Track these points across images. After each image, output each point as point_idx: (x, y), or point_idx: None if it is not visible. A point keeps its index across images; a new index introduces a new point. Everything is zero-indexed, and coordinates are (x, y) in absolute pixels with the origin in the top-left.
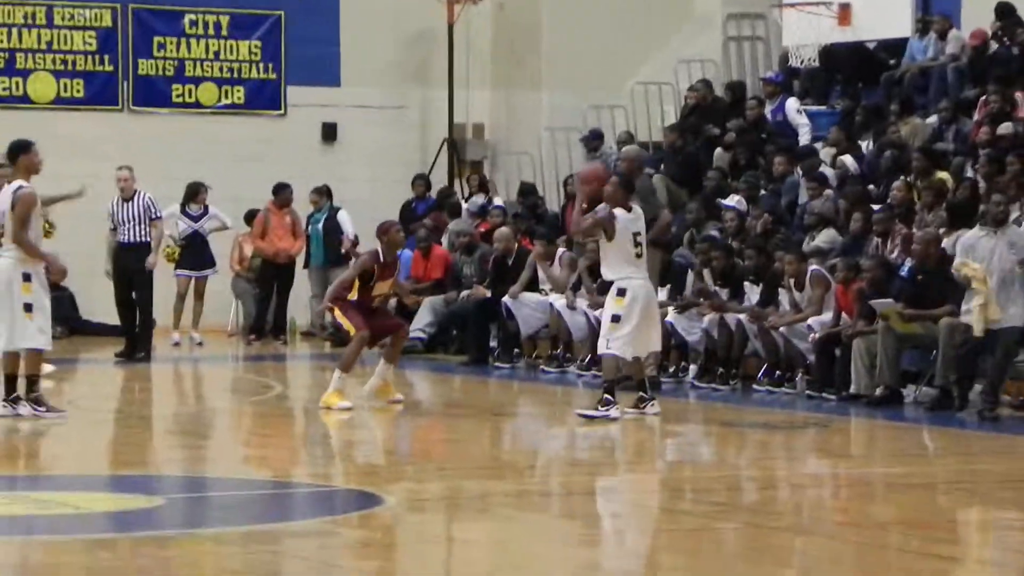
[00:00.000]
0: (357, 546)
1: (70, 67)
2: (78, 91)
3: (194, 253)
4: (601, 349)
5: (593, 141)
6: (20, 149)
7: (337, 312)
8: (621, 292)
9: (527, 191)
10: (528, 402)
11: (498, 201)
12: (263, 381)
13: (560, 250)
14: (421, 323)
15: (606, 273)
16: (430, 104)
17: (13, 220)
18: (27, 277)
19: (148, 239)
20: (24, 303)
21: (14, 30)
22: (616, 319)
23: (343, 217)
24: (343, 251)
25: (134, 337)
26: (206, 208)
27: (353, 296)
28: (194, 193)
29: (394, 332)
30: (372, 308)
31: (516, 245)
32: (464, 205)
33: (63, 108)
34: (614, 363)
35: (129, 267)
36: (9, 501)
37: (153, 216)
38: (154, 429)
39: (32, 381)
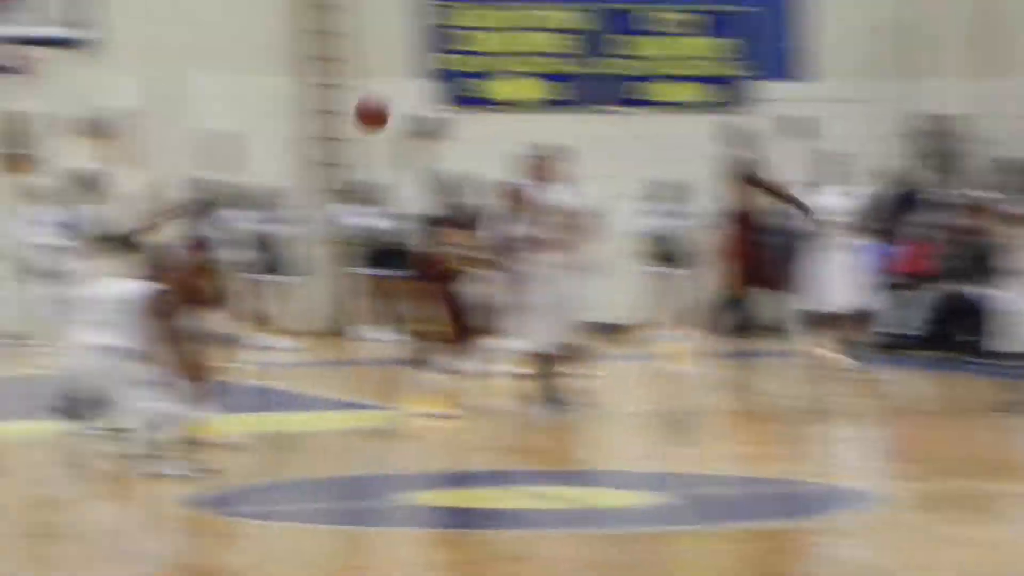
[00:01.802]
0: (855, 543)
1: (543, 69)
2: (552, 92)
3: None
4: None
5: None
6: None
7: None
8: None
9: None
10: None
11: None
12: (747, 380)
13: None
14: (915, 319)
15: None
16: (904, 96)
17: None
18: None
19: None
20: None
21: (491, 33)
22: None
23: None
24: None
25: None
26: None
27: None
28: (664, 191)
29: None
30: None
31: None
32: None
33: (537, 110)
34: None
35: None
36: (507, 495)
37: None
38: (647, 425)
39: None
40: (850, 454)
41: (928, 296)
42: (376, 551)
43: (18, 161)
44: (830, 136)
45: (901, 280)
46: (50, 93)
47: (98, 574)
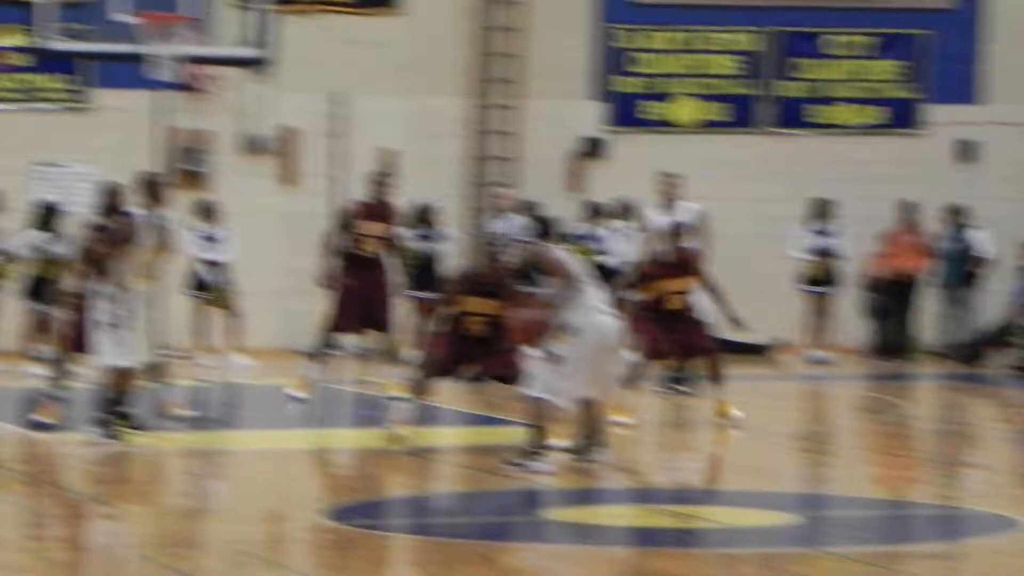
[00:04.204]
0: (987, 569)
1: (712, 90)
2: (719, 114)
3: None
4: None
5: None
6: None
7: None
8: None
9: None
10: None
11: None
12: (890, 400)
13: None
14: None
15: None
16: None
17: None
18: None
19: None
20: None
21: (659, 55)
22: None
23: (976, 237)
24: (974, 270)
25: None
26: (834, 227)
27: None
28: (819, 211)
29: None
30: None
31: None
32: None
33: (704, 131)
34: None
35: None
36: (651, 513)
37: None
38: (785, 445)
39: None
40: (981, 476)
41: None
42: (507, 566)
43: (192, 178)
44: (996, 160)
45: None
46: (225, 111)
47: None
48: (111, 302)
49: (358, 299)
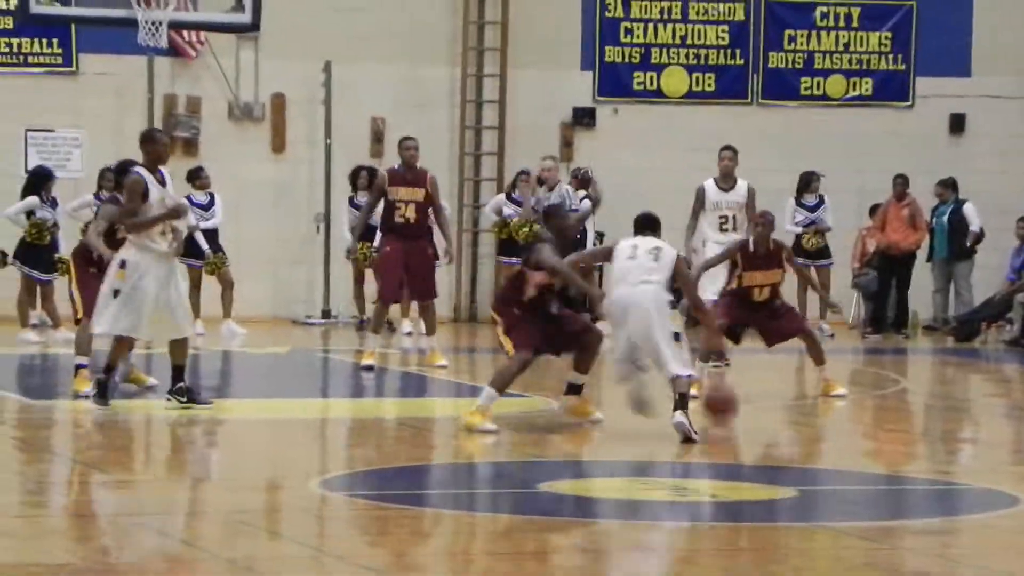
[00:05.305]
0: (983, 545)
1: (702, 61)
2: (709, 85)
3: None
4: None
5: None
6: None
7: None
8: None
9: None
10: None
11: None
12: (885, 375)
13: None
14: None
15: None
16: None
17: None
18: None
19: None
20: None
21: (650, 25)
22: None
23: (969, 210)
24: (968, 244)
25: None
26: (823, 199)
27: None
28: (807, 183)
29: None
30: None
31: None
32: None
33: (695, 102)
34: None
35: None
36: (648, 487)
37: None
38: (781, 419)
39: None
40: (980, 453)
41: None
42: (504, 538)
43: (183, 145)
44: (986, 133)
45: None
46: (215, 78)
47: (237, 552)
48: (118, 270)
49: (400, 267)
